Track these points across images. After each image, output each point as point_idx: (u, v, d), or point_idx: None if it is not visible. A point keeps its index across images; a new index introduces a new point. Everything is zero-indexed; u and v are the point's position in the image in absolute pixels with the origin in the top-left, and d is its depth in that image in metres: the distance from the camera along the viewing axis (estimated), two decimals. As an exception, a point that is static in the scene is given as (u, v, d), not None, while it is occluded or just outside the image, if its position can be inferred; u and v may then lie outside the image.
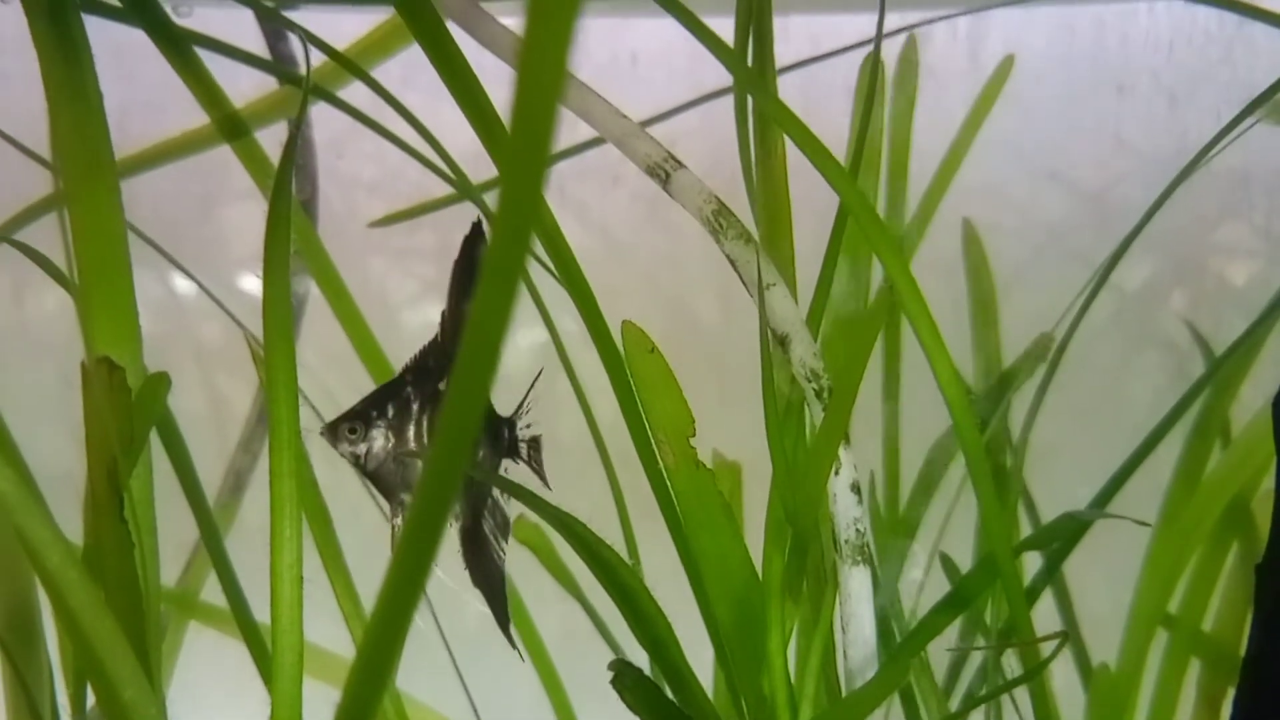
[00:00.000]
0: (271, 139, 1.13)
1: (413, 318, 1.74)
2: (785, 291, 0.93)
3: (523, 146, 0.43)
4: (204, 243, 1.63)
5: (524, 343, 1.65)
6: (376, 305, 1.25)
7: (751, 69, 0.97)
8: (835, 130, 1.08)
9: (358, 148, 1.59)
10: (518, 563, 1.21)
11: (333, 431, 0.87)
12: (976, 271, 1.28)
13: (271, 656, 0.77)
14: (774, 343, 0.93)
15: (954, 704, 1.15)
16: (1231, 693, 1.19)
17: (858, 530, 0.93)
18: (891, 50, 1.27)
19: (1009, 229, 1.53)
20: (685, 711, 0.80)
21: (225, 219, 1.67)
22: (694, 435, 0.90)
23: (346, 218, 1.54)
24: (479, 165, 1.15)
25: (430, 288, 1.76)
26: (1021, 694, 1.05)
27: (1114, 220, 1.26)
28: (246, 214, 1.65)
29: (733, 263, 0.93)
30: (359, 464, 0.88)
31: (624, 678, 0.78)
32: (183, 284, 1.63)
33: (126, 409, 0.70)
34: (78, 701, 0.81)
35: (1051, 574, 1.08)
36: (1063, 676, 1.14)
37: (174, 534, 0.96)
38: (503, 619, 0.88)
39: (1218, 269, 1.68)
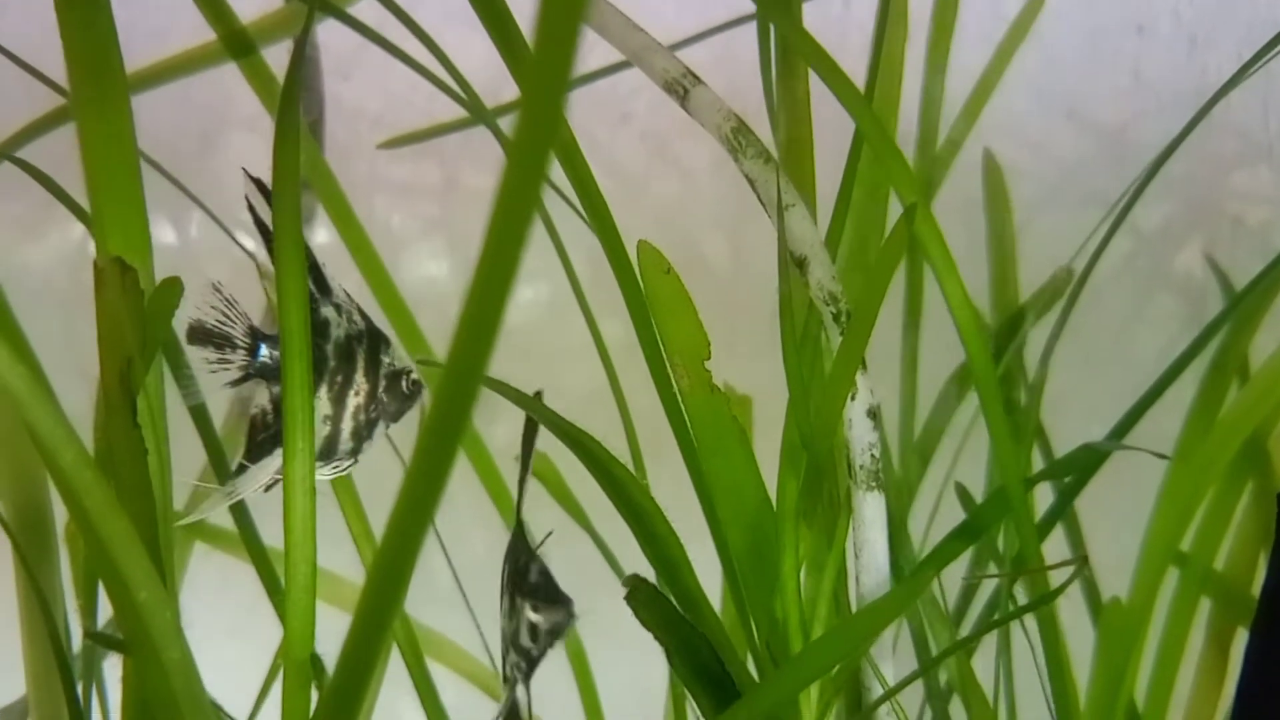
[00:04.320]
0: (278, 61, 1.11)
1: (415, 254, 1.72)
2: (805, 212, 0.91)
3: (547, 56, 0.42)
4: (209, 173, 1.61)
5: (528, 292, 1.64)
6: (380, 239, 1.23)
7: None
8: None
9: (363, 76, 1.57)
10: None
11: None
12: (996, 203, 1.26)
13: (285, 570, 0.76)
14: (792, 264, 0.92)
15: (964, 632, 1.15)
16: (1240, 633, 1.19)
17: (873, 456, 0.92)
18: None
19: (1025, 168, 1.51)
20: (698, 628, 0.80)
21: (230, 148, 1.65)
22: (709, 358, 0.89)
23: (351, 149, 1.52)
24: (487, 93, 1.13)
25: (434, 225, 1.74)
26: (1033, 627, 1.05)
27: (1131, 161, 1.24)
28: (250, 144, 1.64)
29: (751, 183, 0.92)
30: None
31: (638, 593, 0.77)
32: (189, 218, 1.62)
33: (140, 311, 0.69)
34: (88, 609, 0.80)
35: (1065, 507, 1.07)
36: (1072, 612, 1.14)
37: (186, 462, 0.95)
38: None
39: (1235, 210, 1.66)
